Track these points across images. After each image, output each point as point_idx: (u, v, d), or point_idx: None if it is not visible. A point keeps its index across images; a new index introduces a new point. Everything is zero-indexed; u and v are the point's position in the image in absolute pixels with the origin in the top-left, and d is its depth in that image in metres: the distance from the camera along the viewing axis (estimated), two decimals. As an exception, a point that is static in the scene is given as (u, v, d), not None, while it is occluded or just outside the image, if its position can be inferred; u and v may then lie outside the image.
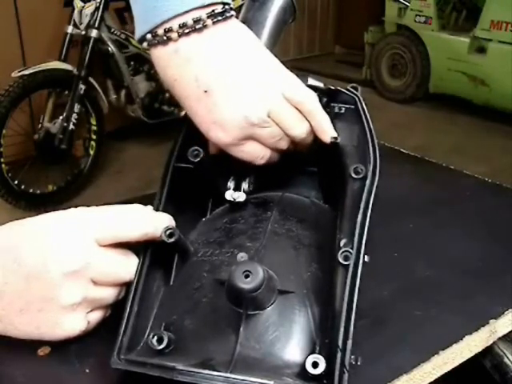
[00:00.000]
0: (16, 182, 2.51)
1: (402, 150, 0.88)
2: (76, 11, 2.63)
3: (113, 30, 2.78)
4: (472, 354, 0.51)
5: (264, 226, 0.51)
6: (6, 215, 2.44)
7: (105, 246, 0.47)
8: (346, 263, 0.44)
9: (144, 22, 0.50)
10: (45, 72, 2.45)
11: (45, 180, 2.64)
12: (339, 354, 0.40)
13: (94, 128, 2.73)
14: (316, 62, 4.98)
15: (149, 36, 0.50)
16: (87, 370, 0.46)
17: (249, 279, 0.41)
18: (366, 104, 0.54)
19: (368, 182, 0.49)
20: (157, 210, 0.51)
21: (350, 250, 0.45)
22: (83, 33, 2.64)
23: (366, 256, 0.45)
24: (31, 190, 2.58)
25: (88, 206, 0.49)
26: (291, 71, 0.53)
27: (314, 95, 0.53)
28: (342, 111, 0.54)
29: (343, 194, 0.50)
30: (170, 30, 0.49)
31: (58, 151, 2.59)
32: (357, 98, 0.54)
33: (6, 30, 2.75)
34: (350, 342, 0.41)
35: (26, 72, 2.38)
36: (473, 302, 0.54)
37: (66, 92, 2.59)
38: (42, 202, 2.60)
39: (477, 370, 0.58)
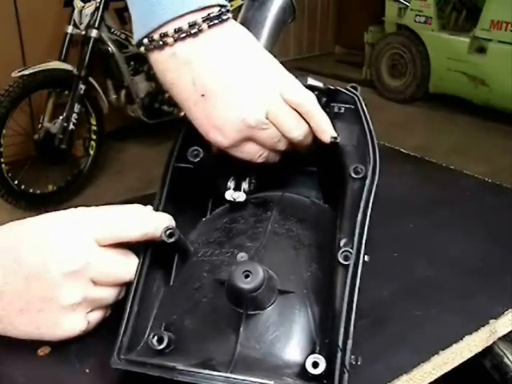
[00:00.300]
0: (16, 182, 2.51)
1: (402, 150, 0.88)
2: (76, 11, 2.63)
3: (113, 30, 2.78)
4: (472, 354, 0.51)
5: (264, 226, 0.51)
6: (6, 215, 2.44)
7: (105, 246, 0.47)
8: (346, 263, 0.44)
9: (141, 26, 0.50)
10: (45, 72, 2.45)
11: (45, 180, 2.64)
12: (339, 354, 0.40)
13: (94, 128, 2.74)
14: (316, 61, 4.98)
15: (145, 41, 0.50)
16: (87, 370, 0.46)
17: (249, 279, 0.41)
18: (365, 104, 0.54)
19: (368, 181, 0.49)
20: (157, 210, 0.51)
21: (350, 250, 0.45)
22: (83, 33, 2.64)
23: (366, 256, 0.45)
24: (31, 190, 2.58)
25: (88, 206, 0.49)
26: (291, 71, 0.53)
27: (312, 96, 0.53)
28: (342, 111, 0.54)
29: (343, 193, 0.50)
30: (165, 34, 0.49)
31: (58, 151, 2.59)
32: (356, 98, 0.54)
33: (6, 29, 2.75)
34: (350, 342, 0.41)
35: (26, 72, 2.38)
36: (473, 302, 0.54)
37: (66, 92, 2.59)
38: (42, 201, 2.60)
39: (477, 370, 0.58)
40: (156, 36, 0.49)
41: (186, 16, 0.49)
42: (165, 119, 3.02)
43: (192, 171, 0.52)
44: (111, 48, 2.76)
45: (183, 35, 0.49)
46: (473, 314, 0.53)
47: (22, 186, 2.53)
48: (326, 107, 0.54)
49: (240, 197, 0.54)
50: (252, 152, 0.53)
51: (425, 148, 3.00)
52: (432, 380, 0.48)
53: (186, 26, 0.49)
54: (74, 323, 0.46)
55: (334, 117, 0.53)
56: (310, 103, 0.52)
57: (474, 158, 3.07)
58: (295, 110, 0.52)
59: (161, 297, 0.49)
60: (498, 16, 3.43)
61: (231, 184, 0.56)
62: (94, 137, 2.75)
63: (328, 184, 0.58)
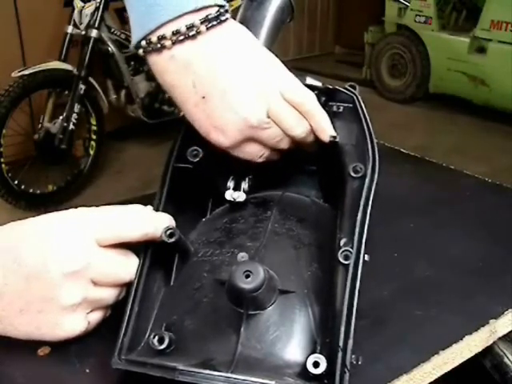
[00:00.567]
0: (16, 182, 2.51)
1: (402, 150, 0.88)
2: (76, 11, 2.63)
3: (113, 30, 2.78)
4: (472, 354, 0.51)
5: (264, 226, 0.51)
6: (6, 215, 2.44)
7: (105, 246, 0.47)
8: (346, 262, 0.44)
9: (139, 28, 0.50)
10: (45, 72, 2.45)
11: (45, 180, 2.64)
12: (340, 354, 0.40)
13: (94, 128, 2.73)
14: (316, 61, 4.98)
15: (143, 43, 0.50)
16: (87, 370, 0.46)
17: (249, 279, 0.41)
18: (364, 103, 0.54)
19: (367, 180, 0.49)
20: (157, 210, 0.51)
21: (350, 250, 0.45)
22: (83, 33, 2.64)
23: (366, 255, 0.45)
24: (31, 190, 2.57)
25: (88, 206, 0.49)
26: (290, 71, 0.53)
27: (312, 95, 0.53)
28: (341, 110, 0.54)
29: (343, 193, 0.50)
30: (163, 37, 0.48)
31: (58, 151, 2.59)
32: (355, 97, 0.54)
33: (6, 29, 2.75)
34: (350, 342, 0.41)
35: (26, 72, 2.38)
36: (473, 301, 0.54)
37: (66, 92, 2.59)
38: (42, 201, 2.60)
39: (477, 370, 0.58)
40: (154, 38, 0.49)
41: (183, 17, 0.48)
42: (165, 119, 3.02)
43: (192, 171, 0.52)
44: (111, 48, 2.76)
45: (181, 38, 0.48)
46: (473, 314, 0.53)
47: (22, 186, 2.53)
48: (324, 106, 0.54)
49: (240, 197, 0.54)
50: (253, 152, 0.53)
51: (425, 148, 3.00)
52: (432, 380, 0.48)
53: (183, 29, 0.48)
54: (74, 324, 0.46)
55: (332, 116, 0.53)
56: (310, 102, 0.52)
57: (474, 157, 3.07)
58: (295, 108, 0.52)
59: (161, 297, 0.49)
60: (498, 16, 3.43)
61: (231, 184, 0.56)
62: (93, 137, 2.75)
63: (328, 183, 0.58)
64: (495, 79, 3.47)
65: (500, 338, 0.54)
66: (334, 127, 0.53)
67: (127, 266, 0.48)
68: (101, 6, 2.62)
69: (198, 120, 0.51)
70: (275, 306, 0.44)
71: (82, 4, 2.62)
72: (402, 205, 0.71)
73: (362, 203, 0.47)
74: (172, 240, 0.47)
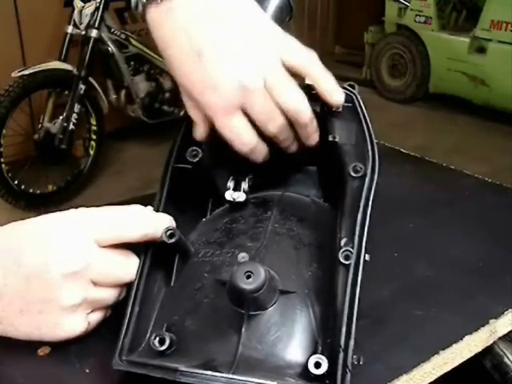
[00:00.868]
0: (16, 182, 2.51)
1: (402, 150, 0.88)
2: (76, 11, 2.63)
3: (113, 29, 2.78)
4: (472, 354, 0.51)
5: (264, 226, 0.51)
6: (6, 215, 2.44)
7: (105, 246, 0.47)
8: (346, 262, 0.44)
9: None
10: (45, 72, 2.45)
11: (45, 180, 2.64)
12: (341, 354, 0.40)
13: (94, 128, 2.74)
14: (316, 61, 4.97)
15: None
16: (87, 370, 0.46)
17: (250, 280, 0.41)
18: (364, 103, 0.53)
19: (367, 180, 0.49)
20: (157, 210, 0.51)
21: (351, 250, 0.44)
22: (83, 33, 2.64)
23: (366, 255, 0.45)
24: (31, 190, 2.58)
25: (88, 206, 0.49)
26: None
27: (315, 56, 0.51)
28: (340, 110, 0.54)
29: (343, 192, 0.50)
30: None
31: (58, 151, 2.59)
32: (354, 97, 0.53)
33: (6, 29, 2.75)
34: (352, 342, 0.41)
35: (26, 72, 2.38)
36: (473, 301, 0.54)
37: (66, 92, 2.60)
38: (42, 202, 2.60)
39: (477, 370, 0.58)
40: None
41: None
42: (165, 119, 3.02)
43: (191, 171, 0.52)
44: (111, 48, 2.76)
45: None
46: (473, 314, 0.53)
47: (22, 186, 2.54)
48: (324, 106, 0.53)
49: (240, 197, 0.54)
50: (240, 129, 0.50)
51: (425, 148, 3.00)
52: (432, 380, 0.48)
53: None
54: (75, 324, 0.46)
55: (332, 115, 0.53)
56: (313, 63, 0.51)
57: (474, 157, 3.07)
58: (295, 74, 0.50)
59: (162, 298, 0.49)
60: (498, 16, 3.43)
61: (231, 184, 0.56)
62: (93, 137, 2.75)
63: (328, 183, 0.58)
64: (495, 79, 3.47)
65: (500, 338, 0.54)
66: (334, 127, 0.53)
67: (127, 267, 0.48)
68: (101, 6, 2.63)
69: (192, 80, 0.50)
70: (276, 306, 0.44)
71: (82, 4, 2.62)
72: (402, 205, 0.71)
73: (362, 203, 0.47)
74: (172, 240, 0.47)
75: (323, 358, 0.40)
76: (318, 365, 0.40)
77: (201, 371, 0.40)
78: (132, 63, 2.91)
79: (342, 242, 0.46)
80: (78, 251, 0.45)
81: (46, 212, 0.48)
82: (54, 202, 2.60)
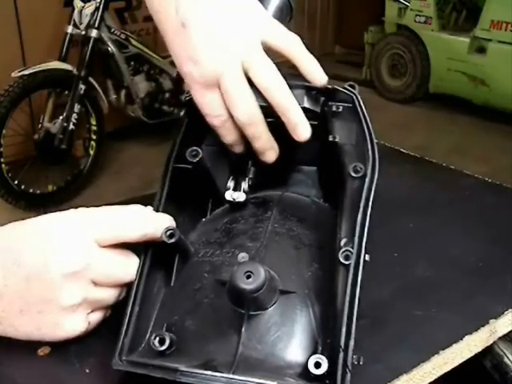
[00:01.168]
0: (16, 182, 2.51)
1: (402, 149, 0.88)
2: (76, 11, 2.63)
3: (113, 29, 2.78)
4: (472, 354, 0.51)
5: (264, 226, 0.51)
6: (6, 215, 2.44)
7: (105, 246, 0.47)
8: (346, 263, 0.44)
9: None
10: (45, 72, 2.45)
11: (45, 180, 2.64)
12: (341, 354, 0.40)
13: (94, 128, 2.74)
14: (316, 61, 4.97)
15: None
16: (87, 370, 0.46)
17: (250, 280, 0.41)
18: (364, 103, 0.53)
19: (367, 180, 0.49)
20: (157, 210, 0.51)
21: (351, 250, 0.44)
22: (83, 33, 2.64)
23: (366, 255, 0.45)
24: (31, 190, 2.58)
25: (88, 206, 0.49)
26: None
27: (298, 39, 0.52)
28: (340, 110, 0.53)
29: (343, 192, 0.50)
30: None
31: (58, 151, 2.59)
32: (354, 97, 0.53)
33: (6, 29, 2.75)
34: (352, 342, 0.41)
35: (26, 72, 2.38)
36: (473, 301, 0.54)
37: (66, 92, 2.60)
38: (42, 202, 2.60)
39: (477, 370, 0.58)
40: None
41: None
42: (165, 119, 3.02)
43: (191, 171, 0.52)
44: (111, 48, 2.76)
45: None
46: (473, 314, 0.53)
47: (22, 186, 2.54)
48: (324, 106, 0.53)
49: (240, 197, 0.54)
50: (213, 104, 0.51)
51: (425, 148, 3.00)
52: (432, 380, 0.48)
53: None
54: (75, 324, 0.46)
55: (332, 116, 0.53)
56: (295, 46, 0.52)
57: (474, 157, 3.07)
58: (281, 53, 0.51)
59: (162, 298, 0.49)
60: (498, 16, 3.43)
61: (231, 184, 0.56)
62: (93, 137, 2.75)
63: (328, 183, 0.58)
64: (495, 79, 3.47)
65: (500, 338, 0.54)
66: (334, 127, 0.53)
67: (127, 267, 0.48)
68: (101, 6, 2.63)
69: (175, 50, 0.52)
70: (276, 306, 0.44)
71: (82, 4, 2.62)
72: (402, 205, 0.71)
73: (362, 203, 0.47)
74: (172, 240, 0.47)
75: (323, 358, 0.40)
76: (317, 365, 0.40)
77: (201, 371, 0.40)
78: (132, 63, 2.91)
79: (342, 242, 0.46)
80: (78, 251, 0.45)
81: (46, 212, 0.48)
82: (54, 202, 2.60)
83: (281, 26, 0.52)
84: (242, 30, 0.50)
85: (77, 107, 2.56)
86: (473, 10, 3.79)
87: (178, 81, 2.99)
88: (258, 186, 0.57)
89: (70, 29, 2.65)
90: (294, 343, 0.43)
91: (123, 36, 2.83)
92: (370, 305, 0.51)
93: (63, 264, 0.44)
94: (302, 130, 0.51)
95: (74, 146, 2.72)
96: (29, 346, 0.47)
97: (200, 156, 0.50)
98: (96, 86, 2.66)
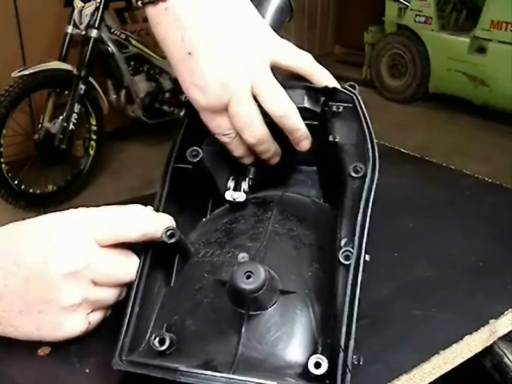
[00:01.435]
0: (16, 182, 2.51)
1: (402, 149, 0.89)
2: (76, 11, 2.64)
3: (113, 29, 2.78)
4: (472, 354, 0.51)
5: (264, 226, 0.51)
6: (6, 215, 2.44)
7: (105, 246, 0.47)
8: (346, 263, 0.44)
9: None
10: (45, 72, 2.45)
11: (45, 180, 2.64)
12: (341, 354, 0.40)
13: (94, 128, 2.74)
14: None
15: None
16: (87, 370, 0.46)
17: (251, 280, 0.41)
18: (364, 103, 0.53)
19: (368, 180, 0.49)
20: (157, 210, 0.51)
21: (351, 250, 0.44)
22: (83, 33, 2.64)
23: (366, 255, 0.45)
24: (31, 190, 2.58)
25: (88, 206, 0.49)
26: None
27: (308, 55, 0.53)
28: (340, 110, 0.53)
29: (343, 193, 0.50)
30: None
31: (58, 151, 2.59)
32: (354, 97, 0.53)
33: (6, 30, 2.75)
34: (352, 342, 0.41)
35: (26, 72, 2.38)
36: (473, 301, 0.54)
37: (66, 92, 2.60)
38: (42, 202, 2.60)
39: (477, 370, 0.58)
40: None
41: None
42: (165, 119, 3.02)
43: (191, 171, 0.52)
44: (111, 48, 2.76)
45: None
46: (473, 314, 0.53)
47: (22, 186, 2.54)
48: (324, 106, 0.53)
49: (240, 197, 0.54)
50: (221, 127, 0.52)
51: (425, 148, 3.01)
52: (432, 380, 0.48)
53: None
54: (75, 324, 0.46)
55: (332, 116, 0.53)
56: (308, 62, 0.53)
57: (474, 157, 3.07)
58: (294, 72, 0.52)
59: (162, 298, 0.49)
60: (497, 16, 3.43)
61: (231, 184, 0.56)
62: (93, 137, 2.75)
63: (328, 183, 0.58)
64: (495, 79, 3.47)
65: (500, 338, 0.54)
66: (334, 127, 0.53)
67: (127, 267, 0.48)
68: (101, 6, 2.63)
69: (182, 76, 0.52)
70: (276, 306, 0.44)
71: (82, 4, 2.63)
72: (402, 205, 0.71)
73: (362, 203, 0.47)
74: (172, 240, 0.47)
75: (323, 358, 0.40)
76: (318, 365, 0.40)
77: (201, 371, 0.40)
78: (132, 63, 2.91)
79: (342, 243, 0.46)
80: (78, 251, 0.45)
81: (46, 212, 0.48)
82: (54, 202, 2.60)
83: (290, 45, 0.53)
84: (250, 55, 0.50)
85: (77, 107, 2.56)
86: (473, 9, 3.79)
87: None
88: (258, 186, 0.57)
89: (70, 29, 2.65)
90: (293, 343, 0.43)
91: (123, 36, 2.83)
92: (369, 305, 0.51)
93: (63, 264, 0.44)
94: (304, 143, 0.54)
95: (73, 146, 2.72)
96: (29, 346, 0.47)
97: (200, 156, 0.50)
98: (96, 86, 2.66)
